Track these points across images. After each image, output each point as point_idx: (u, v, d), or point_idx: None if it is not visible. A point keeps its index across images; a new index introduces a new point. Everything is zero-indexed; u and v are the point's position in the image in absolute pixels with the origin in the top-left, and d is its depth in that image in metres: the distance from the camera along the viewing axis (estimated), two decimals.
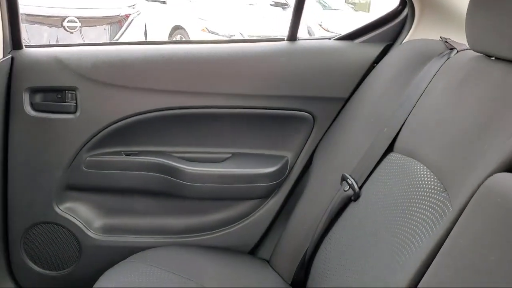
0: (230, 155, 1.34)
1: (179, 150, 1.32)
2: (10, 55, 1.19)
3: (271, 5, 7.18)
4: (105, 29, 5.04)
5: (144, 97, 1.25)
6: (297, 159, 1.35)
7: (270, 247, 1.34)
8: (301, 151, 1.34)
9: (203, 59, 1.28)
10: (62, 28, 4.58)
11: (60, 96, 1.23)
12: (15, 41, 1.20)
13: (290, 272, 1.22)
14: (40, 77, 1.22)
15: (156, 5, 6.73)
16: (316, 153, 1.32)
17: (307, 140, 1.33)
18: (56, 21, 4.57)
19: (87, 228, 1.30)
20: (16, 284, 1.35)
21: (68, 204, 1.30)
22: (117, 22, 5.18)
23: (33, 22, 4.51)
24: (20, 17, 1.21)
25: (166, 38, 6.03)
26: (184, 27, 6.20)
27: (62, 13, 4.59)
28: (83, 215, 1.31)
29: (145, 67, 1.26)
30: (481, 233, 0.65)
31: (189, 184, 1.29)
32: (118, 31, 5.12)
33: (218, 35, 5.73)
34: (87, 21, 4.83)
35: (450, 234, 0.70)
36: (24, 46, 1.23)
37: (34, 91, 1.22)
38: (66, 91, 1.22)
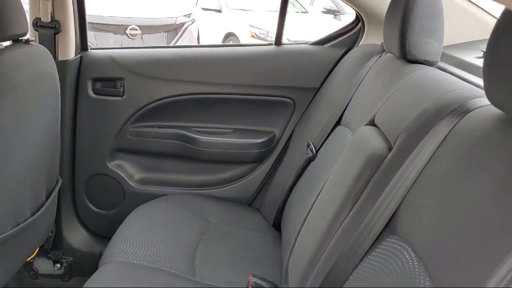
0: (232, 130, 1.78)
1: (195, 125, 1.78)
2: (79, 55, 1.71)
3: (322, 12, 7.48)
4: (162, 36, 5.61)
5: (171, 85, 1.72)
6: (282, 134, 1.77)
7: (261, 199, 1.77)
8: (285, 128, 1.77)
9: (214, 58, 1.74)
10: (125, 35, 5.18)
11: (112, 84, 1.73)
12: (83, 45, 1.72)
13: (272, 216, 1.65)
14: (99, 71, 1.72)
15: (212, 14, 7.21)
16: (295, 129, 1.74)
17: (289, 119, 1.76)
18: (120, 29, 5.19)
19: (129, 180, 1.80)
20: (79, 221, 1.86)
21: (117, 162, 1.80)
22: (173, 29, 5.74)
23: (100, 30, 5.17)
24: (87, 27, 1.72)
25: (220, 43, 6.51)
26: (235, 33, 6.64)
27: (125, 22, 5.19)
28: (127, 170, 1.81)
29: (173, 64, 1.73)
30: (343, 162, 1.07)
31: (202, 149, 1.75)
32: (174, 37, 5.67)
33: (267, 40, 6.13)
34: (147, 29, 5.43)
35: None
36: (89, 48, 1.74)
37: (95, 80, 1.72)
38: (117, 81, 1.72)
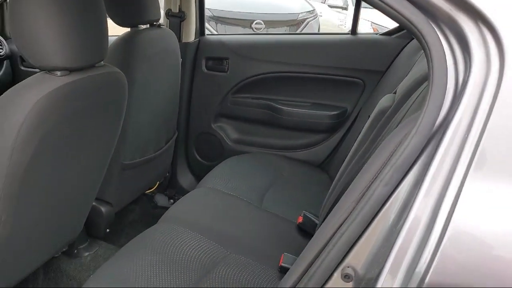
0: (310, 103, 2.15)
1: (281, 98, 2.18)
2: (198, 39, 2.21)
3: None
4: (285, 30, 6.09)
5: (264, 65, 2.15)
6: (353, 109, 2.09)
7: (331, 163, 2.12)
8: (356, 104, 2.08)
9: (300, 44, 2.13)
10: (250, 29, 5.76)
11: (220, 62, 2.21)
12: (201, 31, 2.22)
13: (335, 176, 1.98)
14: (211, 51, 2.21)
15: (338, 11, 7.53)
16: (364, 105, 2.05)
17: (360, 97, 2.07)
18: (246, 23, 5.79)
19: (227, 139, 2.27)
20: (189, 168, 2.38)
21: (219, 124, 2.28)
22: (295, 24, 6.18)
23: (230, 24, 5.81)
24: (205, 17, 2.22)
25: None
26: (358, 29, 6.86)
27: (250, 17, 5.77)
28: (226, 131, 2.28)
29: (266, 48, 2.15)
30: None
31: (285, 118, 2.14)
32: (296, 31, 6.12)
33: None
34: (271, 24, 5.95)
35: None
36: (206, 34, 2.24)
37: (207, 59, 2.22)
38: (223, 59, 2.19)
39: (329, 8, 7.80)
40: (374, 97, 2.00)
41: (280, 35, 2.22)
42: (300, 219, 1.60)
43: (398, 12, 0.65)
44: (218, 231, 1.46)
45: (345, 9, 7.57)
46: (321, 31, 6.38)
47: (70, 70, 1.13)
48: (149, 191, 2.29)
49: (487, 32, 0.61)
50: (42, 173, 1.16)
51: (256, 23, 5.79)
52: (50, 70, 1.10)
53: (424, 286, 0.60)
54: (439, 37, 0.64)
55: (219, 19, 5.84)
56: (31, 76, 1.11)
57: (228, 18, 5.80)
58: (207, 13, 5.76)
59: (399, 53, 1.95)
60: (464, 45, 0.64)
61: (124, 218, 2.21)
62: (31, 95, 1.04)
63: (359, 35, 2.07)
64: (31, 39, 1.05)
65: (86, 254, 1.84)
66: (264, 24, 5.88)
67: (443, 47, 0.64)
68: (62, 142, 1.19)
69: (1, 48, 2.18)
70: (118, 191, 1.83)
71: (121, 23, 1.67)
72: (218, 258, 1.35)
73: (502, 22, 0.59)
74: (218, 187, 1.74)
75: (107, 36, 1.24)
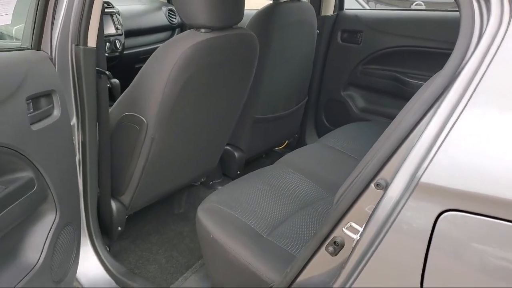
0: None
1: (409, 71, 2.25)
2: (336, 13, 2.41)
3: None
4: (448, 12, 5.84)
5: (395, 38, 2.25)
6: None
7: None
8: None
9: (431, 19, 2.18)
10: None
11: (355, 35, 2.37)
12: (340, 6, 2.41)
13: None
14: (347, 24, 2.39)
15: None
16: None
17: None
18: (406, 4, 5.69)
19: (354, 107, 2.44)
20: (316, 130, 2.61)
21: (348, 92, 2.46)
22: None
23: (390, 4, 5.78)
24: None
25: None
26: None
27: None
28: (354, 99, 2.45)
29: (398, 22, 2.25)
30: None
31: (412, 90, 2.22)
32: None
33: None
34: (432, 5, 5.75)
35: None
36: (344, 9, 2.43)
37: (343, 31, 2.40)
38: (358, 32, 2.36)
39: None
40: None
41: (412, 10, 2.28)
42: None
43: None
44: (322, 177, 1.68)
45: None
46: None
47: (212, 29, 1.45)
48: (278, 148, 2.59)
49: None
50: (185, 107, 1.52)
51: (416, 4, 5.66)
52: (197, 27, 1.44)
53: (417, 186, 0.76)
54: None
55: None
56: (183, 32, 1.46)
57: None
58: None
59: None
60: (487, 2, 0.76)
61: (255, 167, 2.55)
62: (181, 45, 1.39)
63: None
64: (186, 3, 1.39)
65: (219, 187, 2.22)
66: (425, 5, 5.71)
67: (473, 4, 0.77)
68: (201, 86, 1.53)
69: (174, 17, 2.67)
70: (249, 141, 2.16)
71: None
72: (317, 198, 1.58)
73: None
74: (332, 144, 1.95)
75: (244, 3, 1.54)
